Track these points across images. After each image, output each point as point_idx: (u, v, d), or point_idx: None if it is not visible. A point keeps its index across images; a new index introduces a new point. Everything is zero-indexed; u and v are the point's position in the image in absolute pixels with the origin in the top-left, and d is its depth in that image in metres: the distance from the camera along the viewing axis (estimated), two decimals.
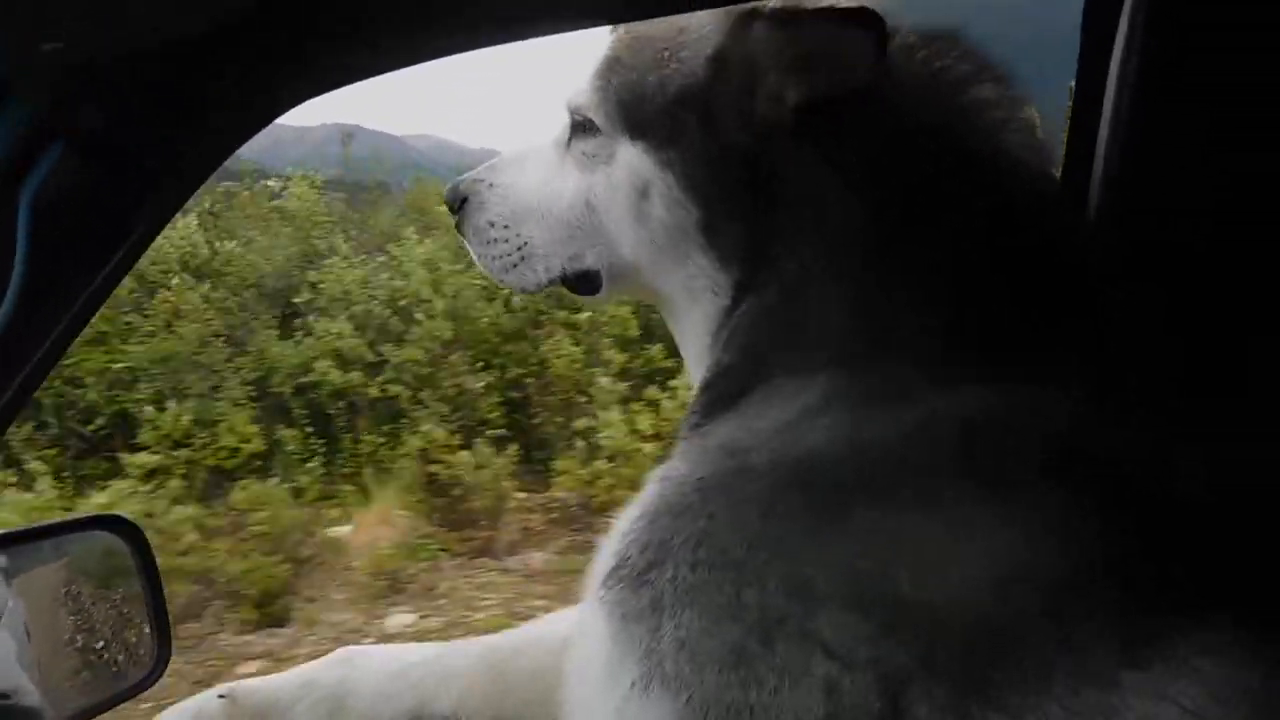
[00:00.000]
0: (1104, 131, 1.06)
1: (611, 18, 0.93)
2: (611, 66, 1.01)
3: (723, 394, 0.92)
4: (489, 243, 1.14)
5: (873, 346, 0.85)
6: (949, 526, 0.74)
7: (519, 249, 1.12)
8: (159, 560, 1.38)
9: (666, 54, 0.97)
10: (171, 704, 1.20)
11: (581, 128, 1.06)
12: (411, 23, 0.79)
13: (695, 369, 1.03)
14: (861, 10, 0.87)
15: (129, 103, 0.85)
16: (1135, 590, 0.71)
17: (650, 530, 0.82)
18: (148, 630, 1.38)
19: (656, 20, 0.97)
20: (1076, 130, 1.10)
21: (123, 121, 0.85)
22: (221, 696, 1.18)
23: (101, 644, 1.44)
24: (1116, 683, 0.67)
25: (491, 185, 1.15)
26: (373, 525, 5.13)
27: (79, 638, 1.44)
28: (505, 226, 1.13)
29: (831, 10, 0.89)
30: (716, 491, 0.82)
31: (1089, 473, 0.75)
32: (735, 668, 0.73)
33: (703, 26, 0.95)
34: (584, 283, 1.12)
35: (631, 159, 1.00)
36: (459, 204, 1.17)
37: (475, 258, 1.18)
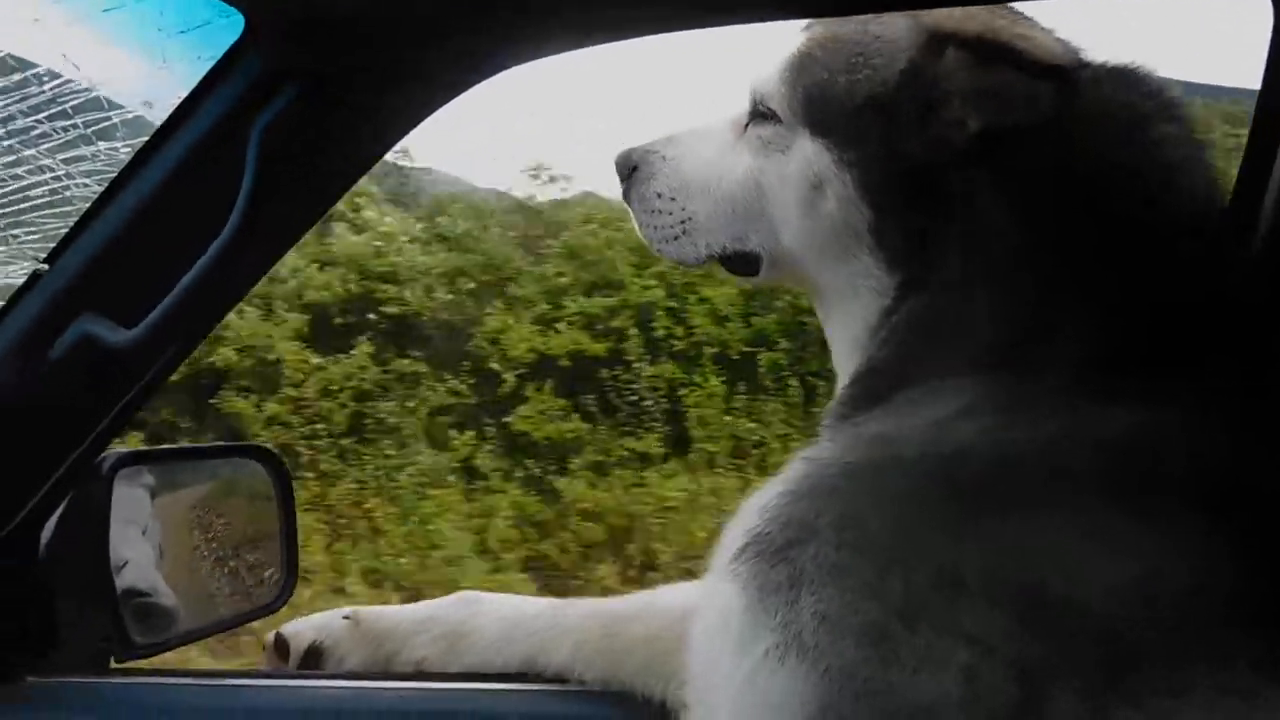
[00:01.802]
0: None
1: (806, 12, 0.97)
2: (803, 62, 1.04)
3: (873, 388, 0.94)
4: (653, 212, 1.17)
5: (1031, 358, 0.87)
6: (1095, 532, 0.75)
7: (682, 222, 1.15)
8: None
9: (860, 59, 0.99)
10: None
11: (761, 115, 1.09)
12: None
13: (843, 362, 1.05)
14: (1054, 67, 0.90)
15: (355, 52, 0.92)
16: (1276, 610, 0.72)
17: (793, 508, 0.84)
18: (279, 558, 1.46)
19: (849, 22, 1.00)
20: (1251, 155, 1.09)
21: (348, 69, 0.92)
22: (346, 618, 1.24)
23: (232, 567, 1.52)
24: (1255, 694, 0.68)
25: (664, 157, 1.18)
26: None
27: (211, 558, 1.52)
28: (672, 199, 1.16)
29: (1024, 58, 0.92)
30: (865, 476, 0.84)
31: (1231, 496, 0.77)
32: (875, 645, 0.75)
33: (898, 38, 0.98)
34: (743, 263, 1.14)
35: (810, 153, 1.02)
36: (629, 172, 1.20)
37: (637, 226, 1.21)
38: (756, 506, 0.87)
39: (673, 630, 1.07)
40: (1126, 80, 0.94)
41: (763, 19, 0.88)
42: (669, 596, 1.19)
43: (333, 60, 0.91)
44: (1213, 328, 0.87)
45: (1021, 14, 1.00)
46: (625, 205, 1.22)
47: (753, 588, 0.82)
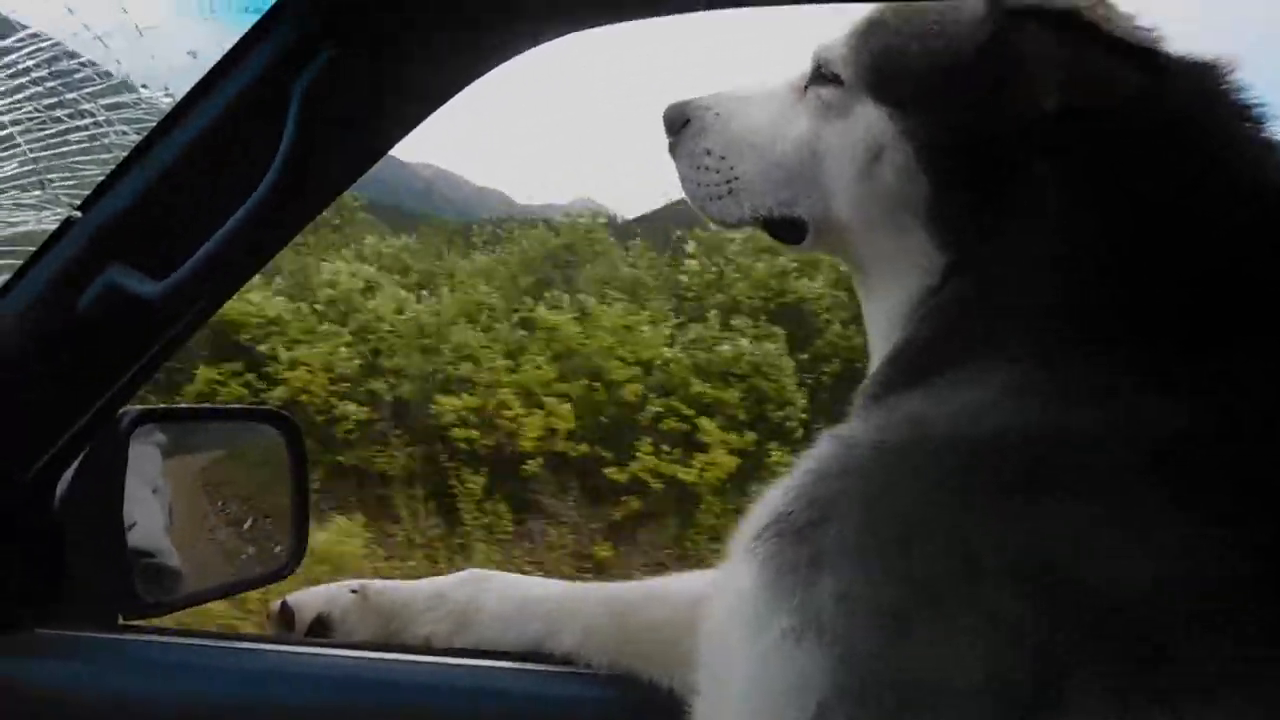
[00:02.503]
0: None
1: None
2: (872, 26, 1.01)
3: (909, 369, 0.92)
4: (700, 169, 1.14)
5: (1079, 345, 0.84)
6: (1127, 522, 0.73)
7: (729, 181, 1.12)
8: None
9: (935, 26, 0.96)
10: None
11: (823, 78, 1.06)
12: None
13: (880, 341, 1.02)
14: (1145, 50, 0.88)
15: (396, 14, 0.91)
16: None
17: (818, 487, 0.82)
18: (288, 526, 1.45)
19: None
20: None
21: (390, 31, 0.92)
22: (354, 591, 1.23)
23: (241, 531, 1.52)
24: None
25: (717, 114, 1.15)
26: None
27: (220, 521, 1.52)
28: (721, 157, 1.13)
29: (1113, 38, 0.89)
30: (894, 457, 0.82)
31: (1272, 491, 0.75)
32: (896, 628, 0.73)
33: (977, 8, 0.95)
34: (788, 229, 1.11)
35: (872, 119, 0.99)
36: (680, 125, 1.17)
37: (681, 181, 1.17)
38: (783, 486, 0.85)
39: (683, 617, 1.06)
40: (1209, 74, 0.92)
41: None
42: (680, 583, 1.18)
43: (374, 21, 0.90)
44: (1272, 330, 0.84)
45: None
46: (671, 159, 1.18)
47: (771, 567, 0.80)
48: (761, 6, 0.86)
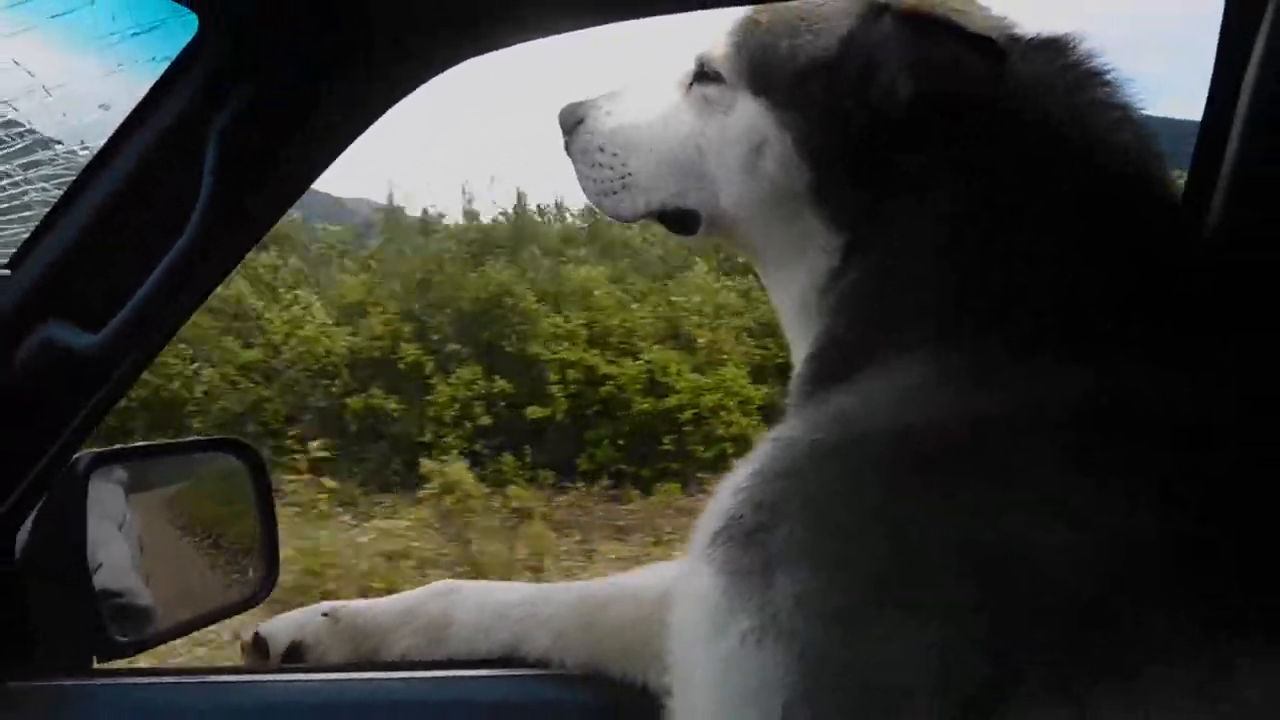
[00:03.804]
0: (1231, 150, 1.07)
1: None
2: (748, 27, 1.06)
3: (833, 363, 0.95)
4: (594, 165, 1.18)
5: (982, 326, 0.88)
6: (1059, 504, 0.76)
7: (622, 177, 1.16)
8: None
9: (803, 24, 1.01)
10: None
11: (706, 76, 1.10)
12: None
13: (793, 328, 1.06)
14: (983, 39, 0.92)
15: (308, 50, 0.92)
16: (1248, 578, 0.73)
17: (763, 490, 0.85)
18: (257, 552, 1.45)
19: None
20: (1203, 149, 1.11)
21: (302, 67, 0.92)
22: (325, 614, 1.24)
23: (210, 562, 1.52)
24: (1231, 666, 0.69)
25: (608, 112, 1.19)
26: None
27: (189, 554, 1.52)
28: (613, 154, 1.17)
29: (956, 30, 0.94)
30: (832, 455, 0.85)
31: (1190, 460, 0.78)
32: (848, 626, 0.75)
33: (840, 6, 1.01)
34: (681, 221, 1.16)
35: (752, 114, 1.04)
36: (573, 125, 1.20)
37: (578, 178, 1.21)
38: (730, 488, 0.87)
39: (652, 613, 1.07)
40: (1057, 49, 0.97)
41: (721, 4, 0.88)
42: (647, 578, 1.19)
43: (286, 59, 0.90)
44: (1162, 292, 0.88)
45: None
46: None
47: (726, 572, 0.82)
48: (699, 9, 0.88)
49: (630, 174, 1.15)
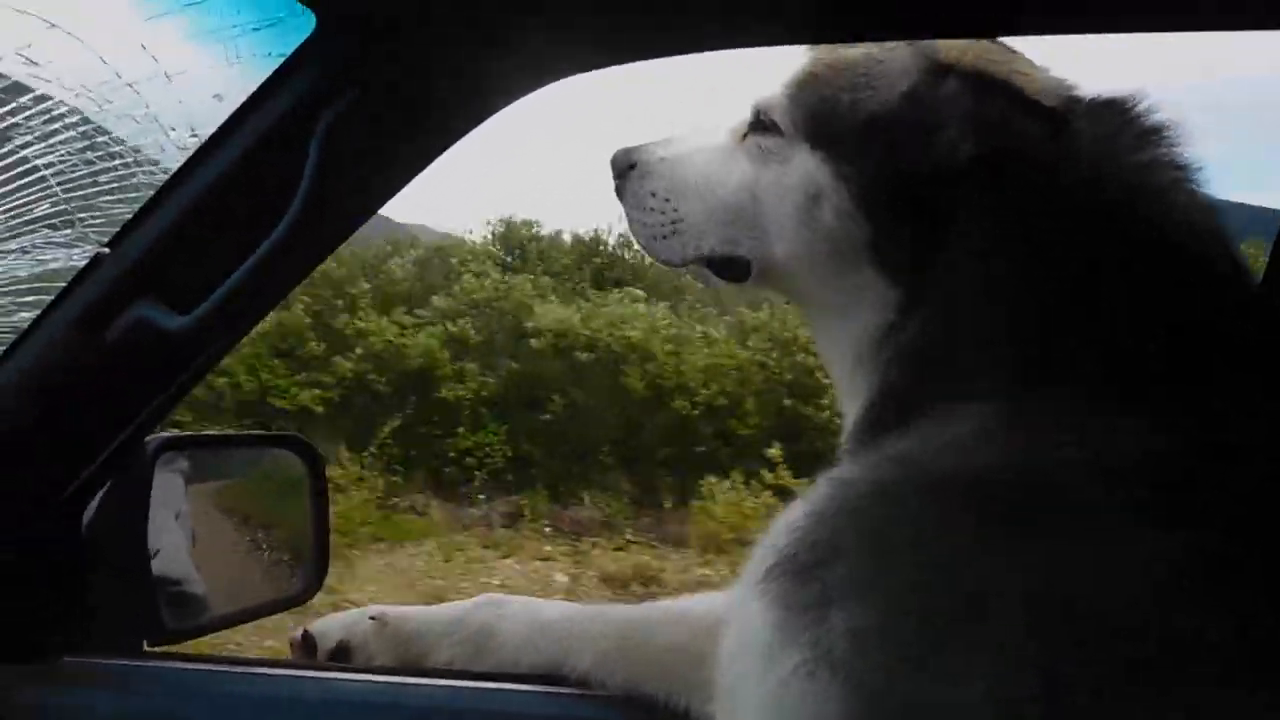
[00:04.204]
0: None
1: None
2: (807, 80, 1.08)
3: (892, 412, 0.96)
4: (646, 210, 1.19)
5: (1038, 380, 0.88)
6: (1118, 555, 0.76)
7: (673, 223, 1.17)
8: None
9: (863, 79, 1.03)
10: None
11: (763, 126, 1.12)
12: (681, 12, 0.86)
13: (846, 380, 1.07)
14: (1043, 106, 0.95)
15: (420, 55, 0.94)
16: None
17: (819, 529, 0.85)
18: (308, 551, 1.47)
19: (855, 47, 1.04)
20: None
21: (412, 72, 0.95)
22: (373, 618, 1.25)
23: (261, 557, 1.54)
24: None
25: (661, 158, 1.21)
26: None
27: (240, 548, 1.54)
28: (665, 199, 1.18)
29: (1017, 92, 0.97)
30: (891, 496, 0.85)
31: (1250, 515, 0.77)
32: (904, 662, 0.75)
33: (902, 63, 1.02)
34: (731, 268, 1.16)
35: (809, 165, 1.05)
36: (626, 169, 1.22)
37: (628, 222, 1.23)
38: (783, 526, 0.88)
39: (698, 640, 1.08)
40: (1114, 111, 0.98)
41: (777, 42, 0.91)
42: (695, 605, 1.20)
43: (398, 62, 0.93)
44: (1218, 346, 0.88)
45: (1019, 53, 1.05)
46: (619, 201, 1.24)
47: (780, 606, 0.83)
48: (746, 47, 0.90)
49: (681, 219, 1.17)
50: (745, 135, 1.14)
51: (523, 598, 1.28)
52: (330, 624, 1.26)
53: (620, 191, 1.23)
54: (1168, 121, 0.98)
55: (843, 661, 0.77)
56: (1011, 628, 0.73)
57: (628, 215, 1.22)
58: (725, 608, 0.98)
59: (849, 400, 1.06)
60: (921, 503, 0.83)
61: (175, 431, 1.38)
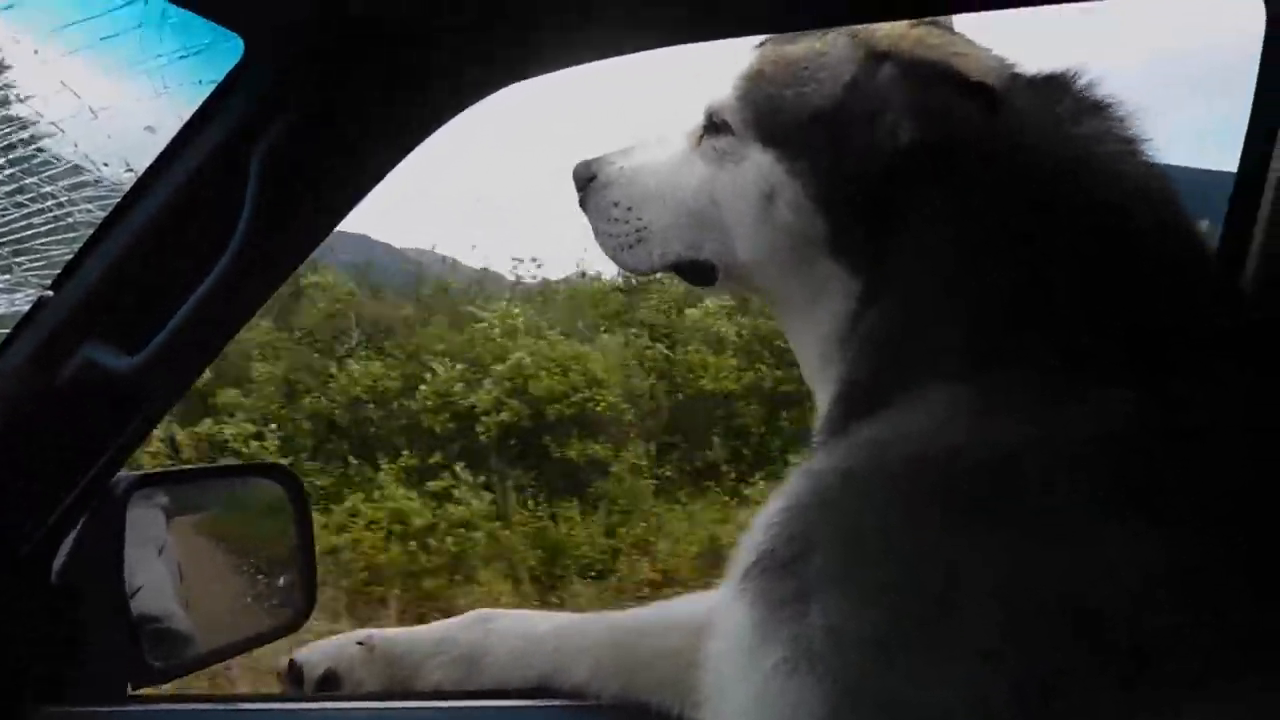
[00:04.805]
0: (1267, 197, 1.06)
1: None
2: (754, 78, 1.08)
3: (861, 401, 0.95)
4: (610, 220, 1.19)
5: (1005, 358, 0.88)
6: (1093, 536, 0.75)
7: (638, 231, 1.17)
8: None
9: (806, 73, 1.03)
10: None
11: (715, 128, 1.12)
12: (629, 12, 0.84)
13: (815, 374, 1.07)
14: (977, 84, 0.95)
15: (351, 75, 0.92)
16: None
17: (795, 522, 0.85)
18: (295, 579, 1.45)
19: (798, 41, 1.04)
20: (1239, 196, 1.11)
21: (344, 93, 0.92)
22: (360, 643, 1.23)
23: (248, 587, 1.52)
24: (1263, 708, 0.68)
25: (621, 168, 1.21)
26: None
27: (227, 580, 1.52)
28: (628, 209, 1.18)
29: (953, 75, 0.96)
30: (863, 486, 0.85)
31: (1219, 492, 0.77)
32: (880, 656, 0.75)
33: (842, 54, 1.02)
34: (698, 272, 1.17)
35: (762, 164, 1.06)
36: (586, 181, 1.22)
37: (594, 234, 1.22)
38: (763, 523, 0.87)
39: (688, 644, 1.06)
40: (1055, 86, 0.99)
41: (756, 31, 0.89)
42: (683, 608, 1.19)
43: (329, 86, 0.91)
44: (1175, 321, 0.88)
45: (959, 33, 1.05)
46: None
47: (760, 604, 0.82)
48: (728, 38, 0.91)
49: (645, 227, 1.17)
50: (700, 138, 1.14)
51: (514, 611, 1.27)
52: (316, 652, 1.24)
53: (584, 204, 1.23)
54: (1110, 95, 0.98)
55: (821, 657, 0.77)
56: (979, 617, 0.73)
57: (593, 227, 1.22)
58: (712, 610, 0.97)
59: (821, 392, 1.06)
60: (887, 490, 0.83)
61: (146, 468, 1.35)
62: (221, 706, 1.24)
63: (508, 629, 1.21)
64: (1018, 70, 1.01)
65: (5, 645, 1.14)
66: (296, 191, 0.94)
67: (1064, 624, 0.71)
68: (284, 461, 5.91)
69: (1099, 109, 0.97)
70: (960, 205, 0.93)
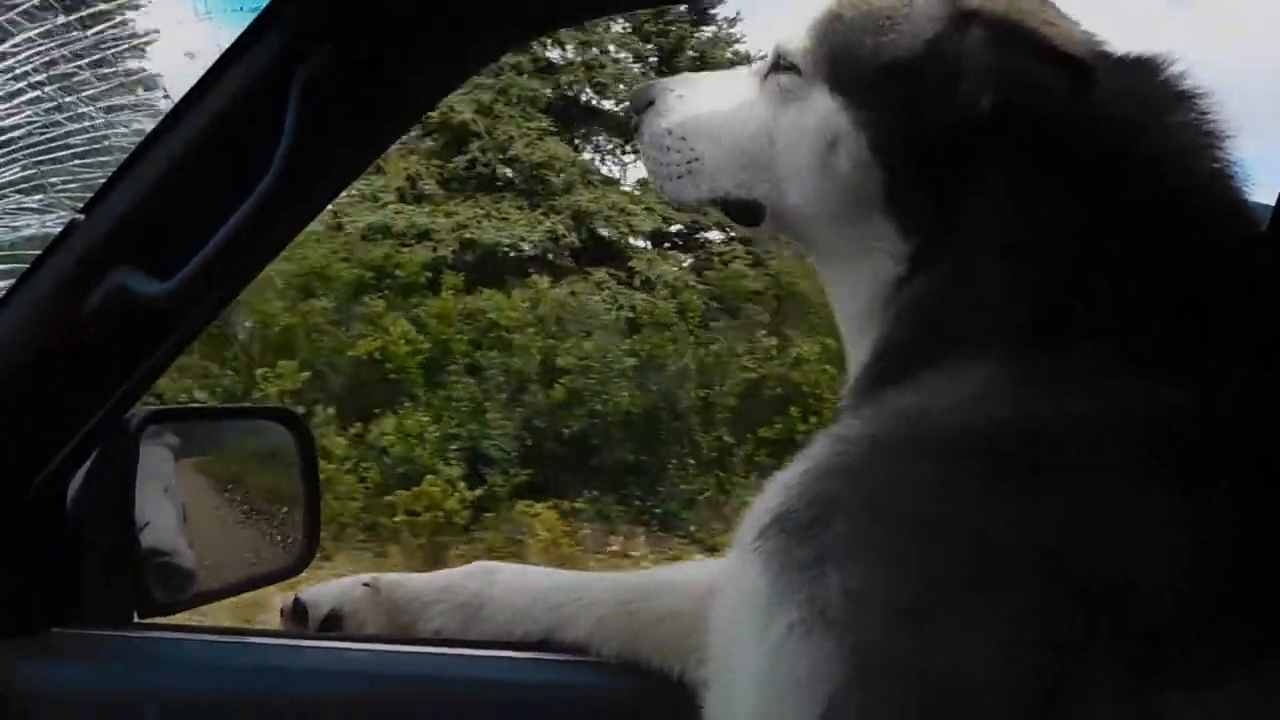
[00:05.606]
0: None
1: None
2: (829, 19, 1.04)
3: (897, 365, 0.93)
4: (662, 149, 1.16)
5: (1053, 335, 0.86)
6: (1129, 509, 0.75)
7: (689, 162, 1.14)
8: None
9: (887, 22, 0.99)
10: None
11: (783, 68, 1.08)
12: None
13: (853, 334, 1.05)
14: (1069, 56, 0.91)
15: (390, 17, 0.92)
16: None
17: (819, 485, 0.84)
18: (299, 523, 1.46)
19: None
20: None
21: (389, 25, 0.92)
22: (365, 585, 1.24)
23: (251, 529, 1.53)
24: None
25: (680, 96, 1.18)
26: None
27: (231, 520, 1.53)
28: (681, 138, 1.15)
29: (1042, 44, 0.93)
30: (893, 452, 0.84)
31: (1265, 474, 0.77)
32: (904, 621, 0.75)
33: (927, 8, 0.98)
34: (746, 211, 1.14)
35: (828, 109, 1.02)
36: (645, 105, 1.19)
37: (643, 160, 1.21)
38: (782, 484, 0.86)
39: (694, 607, 1.07)
40: (1144, 70, 0.96)
41: None
42: (691, 571, 1.19)
43: (371, 19, 0.91)
44: (1232, 308, 0.87)
45: (1050, 2, 1.01)
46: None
47: (776, 564, 0.81)
48: None
49: (697, 159, 1.14)
50: (766, 76, 1.11)
51: (516, 565, 1.27)
52: (322, 592, 1.24)
53: (637, 129, 1.19)
54: (1199, 86, 0.95)
55: (838, 619, 0.76)
56: (1013, 588, 0.73)
57: (642, 153, 1.20)
58: (721, 573, 0.97)
59: (854, 353, 1.04)
60: (923, 458, 0.82)
61: (160, 404, 1.36)
62: (224, 638, 1.25)
63: (510, 582, 1.21)
64: (1107, 48, 0.98)
65: (19, 570, 1.15)
66: (336, 123, 0.94)
67: (1098, 598, 0.71)
68: None
69: (1188, 99, 0.95)
70: (1038, 181, 0.90)
